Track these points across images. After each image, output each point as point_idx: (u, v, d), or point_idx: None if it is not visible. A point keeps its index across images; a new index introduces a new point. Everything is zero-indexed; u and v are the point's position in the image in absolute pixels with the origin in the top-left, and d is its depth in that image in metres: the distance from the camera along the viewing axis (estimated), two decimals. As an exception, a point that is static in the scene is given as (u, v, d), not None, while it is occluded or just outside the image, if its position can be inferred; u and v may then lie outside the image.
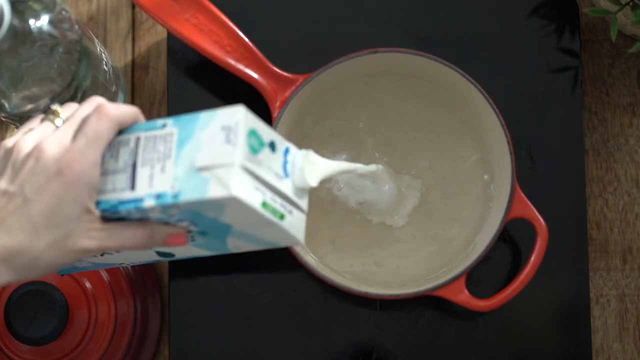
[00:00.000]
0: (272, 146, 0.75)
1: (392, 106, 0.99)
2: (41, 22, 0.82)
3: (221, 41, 0.96)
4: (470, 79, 0.95)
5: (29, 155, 0.73)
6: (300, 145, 0.97)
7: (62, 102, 0.87)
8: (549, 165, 1.00)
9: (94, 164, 0.73)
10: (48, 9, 0.82)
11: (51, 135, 0.74)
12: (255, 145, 0.74)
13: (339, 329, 0.99)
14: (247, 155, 0.73)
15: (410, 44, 1.00)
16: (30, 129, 0.77)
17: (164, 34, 1.04)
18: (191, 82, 1.01)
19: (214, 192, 0.72)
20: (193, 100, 1.01)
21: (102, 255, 0.84)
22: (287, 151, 0.77)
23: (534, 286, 0.96)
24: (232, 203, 0.72)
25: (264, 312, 0.99)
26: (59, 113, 0.76)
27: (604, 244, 1.01)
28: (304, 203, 0.78)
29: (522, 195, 0.94)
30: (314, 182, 0.77)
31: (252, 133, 0.74)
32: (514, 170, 0.94)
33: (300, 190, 0.77)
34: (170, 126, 0.76)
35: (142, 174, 0.75)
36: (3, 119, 0.89)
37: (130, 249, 0.76)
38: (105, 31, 1.04)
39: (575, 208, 0.99)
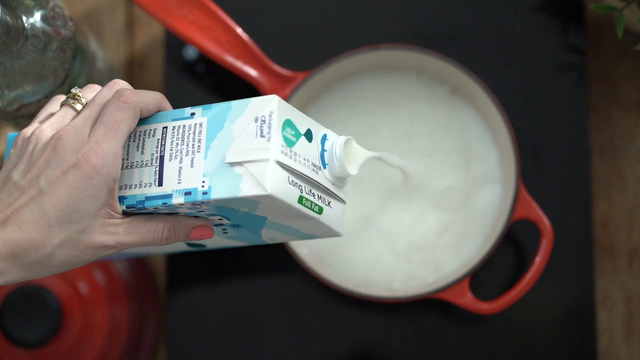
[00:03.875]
0: (309, 135, 0.73)
1: (395, 103, 0.99)
2: (34, 19, 0.82)
3: (219, 38, 0.96)
4: (474, 76, 0.95)
5: (46, 145, 0.71)
6: None
7: None
8: (554, 165, 1.00)
9: (113, 155, 0.70)
10: (41, 5, 0.82)
11: (70, 124, 0.71)
12: (291, 136, 0.71)
13: (340, 333, 0.99)
14: (282, 149, 0.70)
15: (413, 40, 1.00)
16: (50, 114, 0.74)
17: (161, 31, 1.04)
18: (188, 80, 1.01)
19: (248, 190, 0.69)
20: (190, 99, 1.01)
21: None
22: (324, 138, 0.74)
23: (539, 288, 0.97)
24: (267, 200, 0.70)
25: (263, 316, 0.99)
26: (79, 97, 0.73)
27: (609, 245, 1.01)
28: (343, 193, 0.76)
29: (527, 195, 0.94)
30: (353, 170, 0.75)
31: (288, 123, 0.71)
32: (518, 170, 0.94)
33: (339, 180, 0.75)
34: (199, 116, 0.73)
35: (170, 168, 0.72)
36: (-4, 118, 0.89)
37: (152, 244, 0.73)
38: (101, 28, 1.04)
39: (580, 208, 0.99)
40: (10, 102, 0.84)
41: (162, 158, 0.73)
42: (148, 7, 0.95)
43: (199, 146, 0.71)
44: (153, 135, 0.73)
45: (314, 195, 0.73)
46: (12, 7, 0.81)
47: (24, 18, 0.81)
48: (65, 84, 0.86)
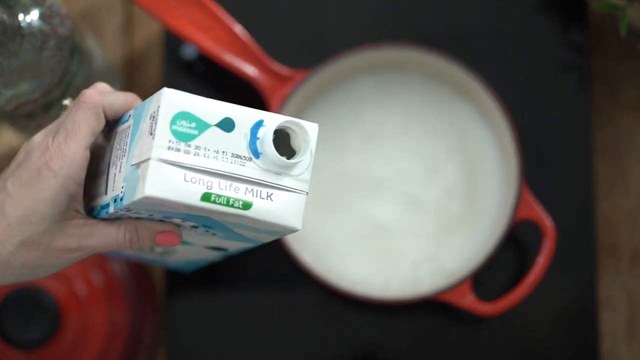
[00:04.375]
0: (227, 124, 0.68)
1: (394, 102, 0.99)
2: (31, 17, 0.82)
3: (218, 37, 0.96)
4: (476, 75, 0.95)
5: (21, 150, 0.73)
6: None
7: (52, 99, 0.87)
8: (556, 165, 1.00)
9: (73, 158, 0.70)
10: (38, 3, 0.82)
11: (42, 131, 0.73)
12: (188, 129, 0.67)
13: (341, 334, 0.99)
14: (170, 145, 0.66)
15: (414, 39, 1.00)
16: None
17: (160, 30, 1.04)
18: (187, 79, 1.01)
19: (139, 193, 0.67)
20: None
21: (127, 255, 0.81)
22: (259, 125, 0.69)
23: (540, 289, 0.97)
24: (159, 202, 0.67)
25: (264, 318, 0.99)
26: (67, 107, 0.74)
27: (612, 245, 1.01)
28: (295, 182, 0.69)
29: (529, 196, 0.94)
30: (300, 157, 0.69)
31: (182, 116, 0.67)
32: (520, 170, 0.94)
33: (286, 168, 0.69)
34: (130, 118, 0.71)
35: (111, 175, 0.71)
36: (-7, 117, 0.89)
37: (116, 248, 0.73)
38: (99, 26, 1.04)
39: (582, 209, 0.99)
40: (7, 100, 0.84)
41: (109, 165, 0.72)
42: (147, 6, 0.95)
43: (125, 149, 0.70)
44: (109, 142, 0.73)
45: (236, 190, 0.68)
46: (9, 5, 0.81)
47: (21, 16, 0.81)
48: (63, 83, 0.86)
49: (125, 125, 0.71)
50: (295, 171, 0.69)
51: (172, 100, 0.67)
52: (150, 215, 0.71)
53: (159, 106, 0.67)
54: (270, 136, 0.68)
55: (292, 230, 0.70)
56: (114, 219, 0.72)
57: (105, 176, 0.72)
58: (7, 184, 0.72)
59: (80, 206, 0.72)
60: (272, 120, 0.68)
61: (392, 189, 0.97)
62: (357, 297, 0.94)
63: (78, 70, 0.88)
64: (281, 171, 0.69)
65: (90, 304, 0.96)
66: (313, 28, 1.01)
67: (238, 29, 0.96)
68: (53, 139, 0.71)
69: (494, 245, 0.93)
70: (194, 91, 1.00)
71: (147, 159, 0.66)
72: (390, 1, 1.01)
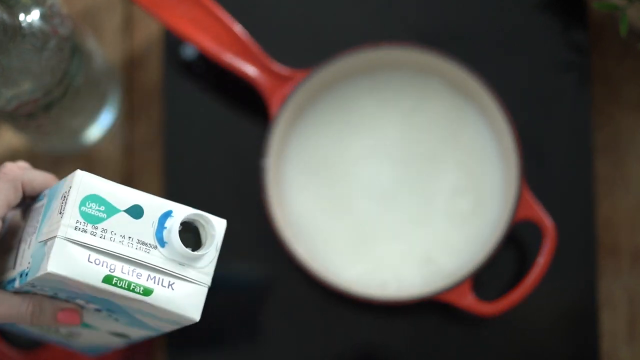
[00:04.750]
0: (135, 211, 0.70)
1: (395, 102, 0.99)
2: (31, 17, 0.82)
3: (218, 36, 0.96)
4: (476, 75, 0.95)
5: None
6: (301, 144, 0.98)
7: (53, 99, 0.87)
8: (556, 165, 1.00)
9: None
10: (38, 3, 0.82)
11: None
12: (97, 212, 0.69)
13: (341, 334, 0.99)
14: (77, 225, 0.68)
15: (414, 39, 1.00)
16: None
17: (159, 30, 1.04)
18: (187, 79, 1.01)
19: (42, 268, 0.68)
20: (188, 97, 1.01)
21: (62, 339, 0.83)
22: (167, 215, 0.70)
23: (541, 289, 0.96)
24: (60, 279, 0.68)
25: (263, 317, 0.99)
26: None
27: (612, 245, 1.01)
28: (198, 274, 0.71)
29: (529, 196, 0.94)
30: (205, 249, 0.70)
31: (92, 198, 0.69)
32: (520, 170, 0.94)
33: (191, 259, 0.70)
34: (45, 197, 0.73)
35: (21, 250, 0.73)
36: (-7, 117, 0.89)
37: (18, 320, 0.73)
38: (99, 26, 1.04)
39: (583, 209, 0.99)
40: (7, 101, 0.84)
41: (20, 241, 0.74)
42: (146, 6, 0.95)
43: (36, 227, 0.72)
44: (23, 219, 0.75)
45: (138, 276, 0.70)
46: (9, 5, 0.80)
47: (22, 16, 0.81)
48: (63, 83, 0.86)
49: (40, 203, 0.73)
50: (200, 263, 0.71)
51: (83, 183, 0.69)
52: (55, 293, 0.72)
53: (70, 187, 0.69)
54: (177, 227, 0.70)
55: (190, 321, 0.72)
56: (18, 293, 0.74)
57: (15, 251, 0.74)
58: None
59: None
60: (180, 212, 0.70)
61: (391, 189, 0.97)
62: (357, 297, 0.94)
63: (78, 70, 0.88)
64: (185, 262, 0.70)
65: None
66: (313, 28, 1.01)
67: (238, 28, 0.96)
68: None
69: (494, 245, 0.93)
70: (194, 91, 1.00)
71: (54, 237, 0.68)
72: (389, 1, 1.01)
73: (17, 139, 1.02)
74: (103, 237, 0.69)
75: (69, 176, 0.70)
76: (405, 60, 0.97)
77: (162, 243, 0.70)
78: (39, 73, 0.83)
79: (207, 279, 0.71)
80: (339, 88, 0.99)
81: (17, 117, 0.88)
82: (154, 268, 0.70)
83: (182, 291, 0.71)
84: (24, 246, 0.73)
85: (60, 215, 0.68)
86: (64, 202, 0.69)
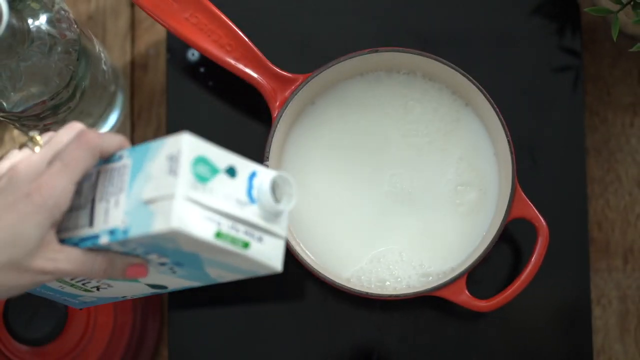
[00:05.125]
0: (231, 172, 0.73)
1: (393, 105, 0.99)
2: (39, 21, 0.82)
3: (221, 40, 0.95)
4: (471, 78, 0.95)
5: (2, 176, 0.74)
6: (301, 144, 0.98)
7: (60, 102, 0.87)
8: (550, 165, 0.99)
9: (64, 190, 0.72)
10: (46, 8, 0.82)
11: (26, 159, 0.74)
12: (205, 173, 0.72)
13: (339, 330, 0.99)
14: (192, 185, 0.71)
15: (411, 42, 1.00)
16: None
17: (164, 33, 1.03)
18: (191, 82, 1.01)
19: (158, 226, 0.70)
20: (192, 100, 1.01)
21: (89, 290, 0.83)
22: (253, 175, 0.74)
23: (535, 287, 0.96)
24: (181, 236, 0.71)
25: (263, 314, 0.99)
26: (37, 140, 0.76)
27: (605, 244, 1.01)
28: (278, 228, 0.75)
29: (523, 195, 0.94)
30: (286, 205, 0.74)
31: (200, 160, 0.72)
32: (514, 170, 0.94)
33: (273, 215, 0.75)
34: (125, 158, 0.74)
35: (99, 209, 0.74)
36: (2, 118, 0.89)
37: (89, 276, 0.75)
38: (104, 30, 1.03)
39: (576, 208, 0.99)
40: (15, 103, 0.84)
41: (93, 200, 0.75)
42: (151, 10, 0.94)
43: (122, 187, 0.73)
44: (89, 179, 0.75)
45: (237, 231, 0.73)
46: (18, 10, 0.81)
47: (30, 21, 0.81)
48: (70, 86, 0.86)
49: (118, 164, 0.74)
50: (280, 218, 0.75)
51: (193, 144, 0.71)
52: (134, 249, 0.74)
53: (180, 149, 0.71)
54: (268, 186, 0.73)
55: (275, 271, 0.76)
56: (89, 248, 0.75)
57: (86, 210, 0.75)
58: None
59: (55, 233, 0.74)
60: (263, 173, 0.74)
61: (388, 189, 0.97)
62: (355, 293, 0.93)
63: (85, 73, 0.88)
64: (271, 217, 0.74)
65: (96, 302, 0.96)
66: (313, 32, 1.01)
67: (240, 33, 0.95)
68: (47, 168, 0.73)
69: (489, 243, 0.93)
70: (197, 94, 1.00)
71: (171, 196, 0.70)
72: (387, 6, 1.01)
73: (25, 141, 1.02)
74: (210, 195, 0.71)
75: (169, 138, 0.72)
76: (402, 63, 0.97)
77: (253, 200, 0.73)
78: (47, 76, 0.83)
79: (285, 232, 0.76)
80: (339, 90, 0.98)
81: (25, 119, 0.88)
82: (249, 223, 0.73)
83: (269, 244, 0.75)
84: (103, 205, 0.73)
85: (174, 176, 0.70)
86: (174, 163, 0.71)
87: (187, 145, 0.71)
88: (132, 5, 1.04)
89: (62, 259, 0.74)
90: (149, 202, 0.71)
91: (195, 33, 0.95)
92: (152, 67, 1.03)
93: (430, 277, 0.96)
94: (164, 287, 0.83)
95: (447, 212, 0.97)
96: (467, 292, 0.93)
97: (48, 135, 0.77)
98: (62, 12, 0.83)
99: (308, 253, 0.96)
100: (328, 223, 0.98)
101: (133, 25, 1.04)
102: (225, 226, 0.72)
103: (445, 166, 0.98)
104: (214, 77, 1.01)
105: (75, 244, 0.75)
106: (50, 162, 0.73)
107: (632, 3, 0.93)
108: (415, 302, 0.98)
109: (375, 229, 0.97)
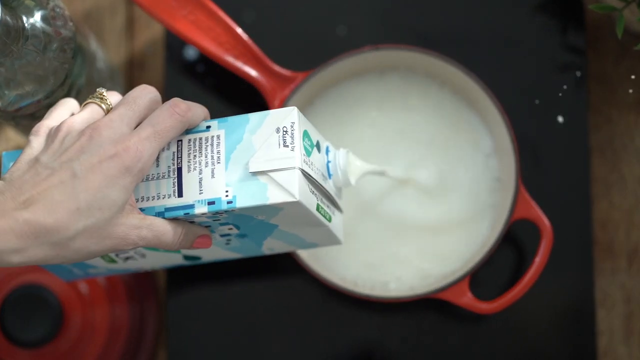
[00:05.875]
0: (319, 146, 0.75)
1: (394, 104, 0.99)
2: (34, 19, 0.82)
3: (219, 38, 0.96)
4: (474, 76, 0.95)
5: (81, 134, 0.72)
6: None
7: (55, 100, 0.87)
8: (554, 165, 1.00)
9: (151, 156, 0.72)
10: (41, 5, 0.82)
11: (105, 118, 0.72)
12: (309, 146, 0.74)
13: (340, 333, 0.99)
14: (304, 158, 0.73)
15: (412, 40, 1.00)
16: (72, 113, 0.76)
17: (161, 31, 1.04)
18: (188, 80, 1.01)
19: (275, 197, 0.71)
20: (190, 99, 0.99)
21: (127, 258, 0.82)
22: (327, 150, 0.77)
23: (538, 288, 0.96)
24: (292, 207, 0.72)
25: (263, 316, 0.99)
26: (105, 98, 0.75)
27: (609, 244, 1.01)
28: (341, 203, 0.79)
29: (527, 195, 0.94)
30: (354, 181, 0.78)
31: (305, 134, 0.74)
32: (518, 170, 0.94)
33: (339, 190, 0.78)
34: (215, 128, 0.75)
35: (189, 179, 0.74)
36: (-4, 118, 0.89)
37: (167, 246, 0.74)
38: (101, 28, 1.04)
39: (580, 208, 0.99)
40: (10, 102, 0.84)
41: (179, 170, 0.74)
42: (148, 8, 0.95)
43: (218, 157, 0.73)
44: (168, 149, 0.75)
45: (325, 204, 0.76)
46: (12, 8, 0.81)
47: (24, 18, 0.81)
48: (65, 84, 0.86)
49: (206, 134, 0.75)
50: (341, 193, 0.79)
51: (301, 119, 0.74)
52: (216, 220, 0.75)
53: (293, 122, 0.73)
54: (346, 162, 0.78)
55: (339, 243, 0.81)
56: (171, 219, 0.75)
57: (169, 180, 0.74)
58: (73, 165, 0.71)
59: (134, 199, 0.73)
60: (332, 148, 0.78)
61: (389, 189, 0.97)
62: (356, 295, 0.94)
63: (81, 71, 0.89)
64: (339, 193, 0.78)
65: (92, 303, 0.96)
66: (313, 30, 1.01)
67: (239, 30, 0.96)
68: (135, 132, 0.72)
69: (492, 245, 0.93)
70: (195, 92, 1.00)
71: (291, 168, 0.72)
72: (388, 4, 1.01)
73: (20, 140, 1.02)
74: (312, 169, 0.74)
75: (278, 111, 0.74)
76: (402, 61, 0.97)
77: (329, 175, 0.77)
78: (42, 74, 0.83)
79: (342, 207, 0.80)
80: (339, 89, 0.99)
81: (20, 118, 0.88)
82: (330, 197, 0.77)
83: (337, 217, 0.79)
84: (195, 175, 0.74)
85: (290, 149, 0.72)
86: (286, 136, 0.72)
87: (298, 118, 0.73)
88: (129, 3, 1.04)
89: (145, 227, 0.73)
90: (258, 173, 0.72)
91: (193, 31, 0.95)
92: (150, 65, 1.04)
93: (432, 279, 0.96)
94: (199, 259, 0.83)
95: (450, 213, 0.97)
96: (469, 294, 0.94)
97: (114, 95, 0.76)
98: (57, 9, 0.83)
99: (309, 254, 0.96)
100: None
101: (130, 22, 1.04)
102: (319, 199, 0.75)
103: (446, 165, 0.98)
104: (212, 76, 1.01)
105: (160, 212, 0.74)
106: (140, 127, 0.72)
107: (637, 0, 0.93)
108: (417, 304, 0.98)
109: (377, 231, 0.98)
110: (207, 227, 0.77)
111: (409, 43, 0.98)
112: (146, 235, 0.73)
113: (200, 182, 0.73)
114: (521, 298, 0.93)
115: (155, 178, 0.75)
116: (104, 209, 0.70)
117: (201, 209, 0.73)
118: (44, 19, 0.82)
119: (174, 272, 0.99)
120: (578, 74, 1.00)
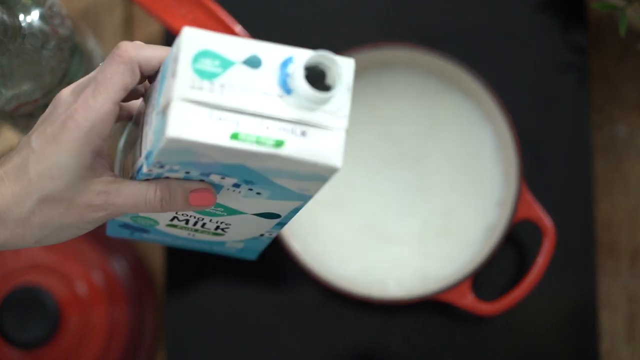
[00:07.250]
0: (253, 61, 0.65)
1: (394, 102, 0.99)
2: (31, 18, 0.82)
3: None
4: (476, 75, 0.95)
5: (50, 106, 0.70)
6: None
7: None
8: (556, 165, 1.00)
9: (99, 112, 0.66)
10: (38, 3, 0.82)
11: (72, 84, 0.70)
12: (211, 67, 0.64)
13: (340, 335, 0.99)
14: (193, 84, 0.63)
15: (413, 39, 1.00)
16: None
17: (160, 30, 1.04)
18: None
19: (163, 137, 0.63)
20: None
21: (147, 229, 0.78)
22: (288, 62, 0.65)
23: (540, 289, 0.97)
24: (185, 144, 0.64)
25: (263, 316, 0.99)
26: None
27: (612, 245, 1.01)
28: (330, 118, 0.65)
29: (529, 195, 0.94)
30: (336, 90, 0.64)
31: (205, 54, 0.64)
32: (520, 170, 0.94)
33: (320, 104, 0.65)
34: (160, 70, 0.68)
35: (144, 134, 0.68)
36: (-7, 117, 0.89)
37: (145, 209, 0.69)
38: (99, 26, 1.04)
39: (582, 209, 0.99)
40: (7, 101, 0.84)
41: (143, 126, 0.69)
42: (147, 6, 0.95)
43: (154, 103, 0.67)
44: (145, 104, 0.70)
45: (267, 128, 0.64)
46: (9, 6, 0.81)
47: (21, 17, 0.81)
48: (63, 83, 0.86)
49: (157, 78, 0.68)
50: (332, 107, 0.65)
51: (193, 39, 0.64)
52: (187, 172, 0.68)
53: (178, 46, 0.64)
54: (301, 71, 0.64)
55: (332, 169, 0.66)
56: (147, 180, 0.69)
57: (140, 139, 0.69)
58: (31, 139, 0.68)
59: (107, 164, 0.69)
60: (302, 56, 0.65)
61: (391, 189, 0.97)
62: (357, 297, 0.94)
63: (78, 70, 0.88)
64: (315, 107, 0.65)
65: (90, 304, 0.96)
66: (313, 29, 1.01)
67: (238, 29, 0.95)
68: (82, 93, 0.68)
69: (493, 245, 0.93)
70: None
71: (170, 100, 0.64)
72: (390, 2, 1.01)
73: (17, 139, 1.02)
74: (222, 92, 0.64)
75: (178, 37, 0.65)
76: (404, 60, 0.97)
77: (287, 91, 0.65)
78: (39, 73, 0.83)
79: (343, 122, 0.65)
80: None
81: (18, 117, 0.88)
82: (282, 118, 0.65)
83: (317, 138, 0.65)
84: (147, 129, 0.67)
85: (174, 78, 0.63)
86: (174, 63, 0.64)
87: (187, 40, 0.64)
88: (127, 1, 1.05)
89: (112, 192, 0.68)
90: (162, 114, 0.65)
91: (192, 29, 0.95)
92: (148, 64, 1.03)
93: (434, 280, 0.96)
94: (276, 215, 0.74)
95: (451, 213, 0.98)
96: (471, 295, 0.94)
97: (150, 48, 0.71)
98: (55, 7, 0.83)
99: (309, 255, 0.96)
100: (329, 225, 0.98)
101: (128, 21, 1.04)
102: (246, 125, 0.64)
103: (449, 165, 0.98)
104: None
105: (135, 177, 0.69)
106: (86, 85, 0.68)
107: (640, -1, 0.93)
108: (418, 306, 0.98)
109: (377, 230, 0.98)
110: (201, 180, 0.69)
111: (409, 42, 0.98)
112: (115, 201, 0.68)
113: (146, 136, 0.67)
114: (523, 299, 0.94)
115: (137, 140, 0.70)
116: (55, 177, 0.67)
117: (145, 166, 0.67)
118: (41, 17, 0.82)
119: (174, 272, 0.99)
120: (580, 73, 1.00)
